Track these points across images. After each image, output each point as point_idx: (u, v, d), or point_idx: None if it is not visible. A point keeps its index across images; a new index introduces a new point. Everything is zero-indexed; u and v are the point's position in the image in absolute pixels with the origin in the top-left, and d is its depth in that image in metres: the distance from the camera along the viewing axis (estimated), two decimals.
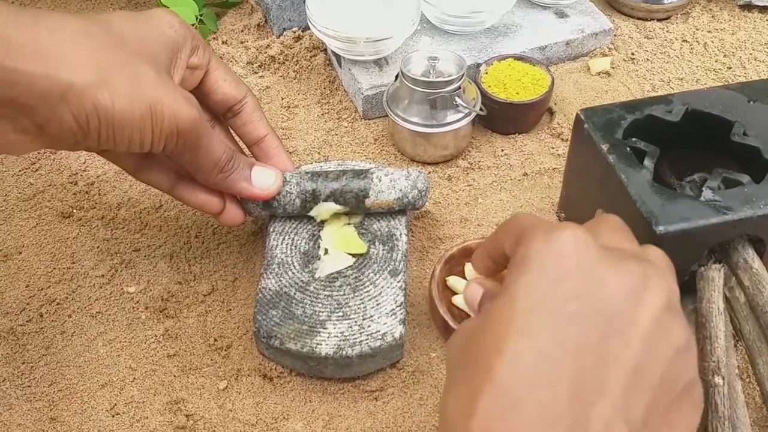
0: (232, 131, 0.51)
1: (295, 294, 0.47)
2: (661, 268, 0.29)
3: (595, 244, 0.29)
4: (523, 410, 0.25)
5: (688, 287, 0.46)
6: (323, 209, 0.50)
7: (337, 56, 0.66)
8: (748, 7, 0.77)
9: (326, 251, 0.49)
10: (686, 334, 0.29)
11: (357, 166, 0.54)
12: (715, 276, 0.44)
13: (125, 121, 0.39)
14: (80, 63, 0.37)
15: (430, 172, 0.60)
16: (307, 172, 0.50)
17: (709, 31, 0.74)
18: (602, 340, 0.26)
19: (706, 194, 0.43)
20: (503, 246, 0.33)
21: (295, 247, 0.50)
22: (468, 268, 0.50)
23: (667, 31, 0.74)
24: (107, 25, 0.40)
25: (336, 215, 0.51)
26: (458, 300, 0.49)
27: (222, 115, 0.50)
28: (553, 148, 0.62)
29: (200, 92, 0.48)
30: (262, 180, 0.48)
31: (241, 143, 0.52)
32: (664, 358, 0.27)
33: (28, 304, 0.51)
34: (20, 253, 0.54)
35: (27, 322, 0.50)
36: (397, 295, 0.47)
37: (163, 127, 0.40)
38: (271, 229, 0.51)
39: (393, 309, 0.46)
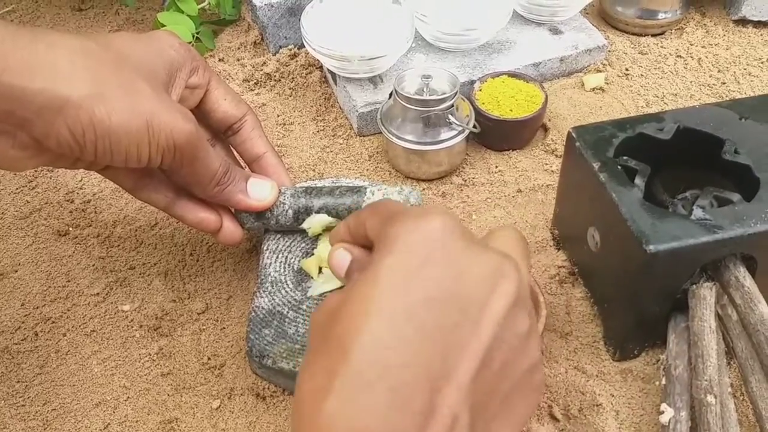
0: (232, 149, 0.52)
1: (288, 313, 0.47)
2: (517, 260, 0.30)
3: (462, 233, 0.30)
4: (376, 393, 0.26)
5: (681, 305, 0.46)
6: (315, 221, 0.50)
7: (332, 74, 0.66)
8: (743, 22, 0.77)
9: (320, 270, 0.50)
10: (529, 321, 0.30)
11: (351, 183, 0.55)
12: (706, 294, 0.44)
13: (122, 135, 0.39)
14: (77, 77, 0.38)
15: (424, 189, 0.60)
16: (301, 187, 0.51)
17: (703, 47, 0.74)
18: (455, 327, 0.27)
19: (697, 213, 0.44)
20: (365, 226, 0.34)
21: (289, 265, 0.50)
22: (324, 239, 0.51)
23: (662, 47, 0.74)
24: (106, 43, 0.41)
25: (330, 231, 0.51)
26: None
27: (222, 133, 0.51)
28: (547, 164, 0.62)
29: (201, 111, 0.48)
30: (258, 191, 0.48)
31: (241, 161, 0.52)
32: (508, 347, 0.29)
33: (23, 322, 0.51)
34: (16, 271, 0.55)
35: (22, 340, 0.50)
36: None
37: (159, 141, 0.40)
38: (265, 248, 0.51)
39: None
